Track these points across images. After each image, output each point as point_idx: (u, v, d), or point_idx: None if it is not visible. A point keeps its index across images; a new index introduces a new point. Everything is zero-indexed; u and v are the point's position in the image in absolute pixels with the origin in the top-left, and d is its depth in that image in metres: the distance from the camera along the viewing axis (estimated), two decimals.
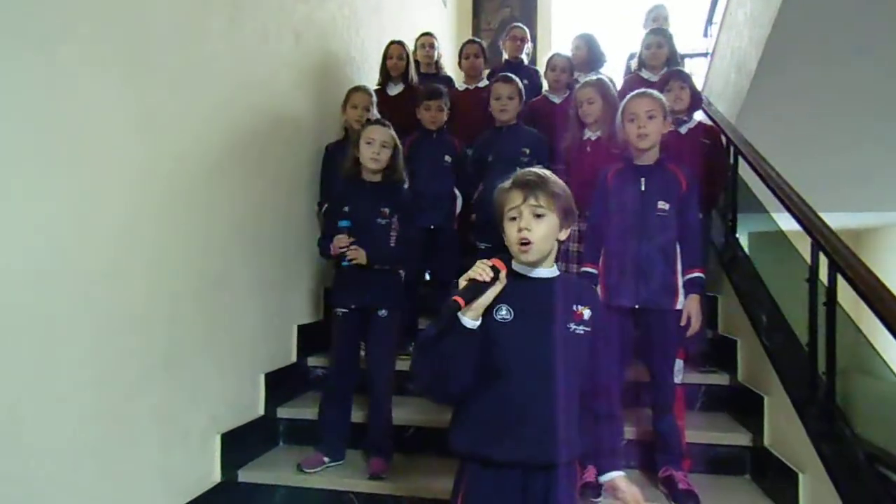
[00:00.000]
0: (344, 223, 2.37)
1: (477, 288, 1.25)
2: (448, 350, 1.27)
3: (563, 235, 1.38)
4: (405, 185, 2.47)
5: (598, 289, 2.15)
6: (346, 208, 2.39)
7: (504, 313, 1.33)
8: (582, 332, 1.36)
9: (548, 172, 1.38)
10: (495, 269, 1.26)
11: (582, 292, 1.43)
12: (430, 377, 1.33)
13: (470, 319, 1.26)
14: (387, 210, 2.40)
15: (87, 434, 1.65)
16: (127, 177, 1.80)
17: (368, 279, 2.35)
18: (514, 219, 1.33)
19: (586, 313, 1.37)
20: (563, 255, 2.64)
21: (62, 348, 1.57)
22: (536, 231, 1.31)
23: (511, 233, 1.34)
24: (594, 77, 2.97)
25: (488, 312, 1.32)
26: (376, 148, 2.35)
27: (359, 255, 2.31)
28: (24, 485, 1.46)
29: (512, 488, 1.32)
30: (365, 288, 2.36)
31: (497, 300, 1.32)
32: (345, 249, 2.31)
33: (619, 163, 2.25)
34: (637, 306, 2.11)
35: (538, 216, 1.32)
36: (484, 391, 1.33)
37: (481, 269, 1.26)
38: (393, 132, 2.42)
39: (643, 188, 2.15)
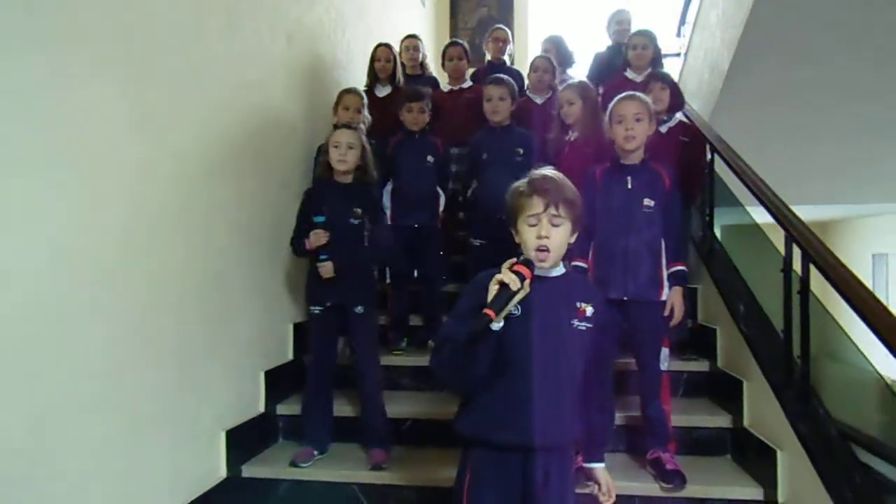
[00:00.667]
0: (319, 219, 2.45)
1: (506, 296, 1.30)
2: (473, 349, 1.34)
3: (573, 239, 1.47)
4: (374, 186, 2.58)
5: None
6: (323, 209, 2.47)
7: (514, 309, 1.41)
8: (584, 328, 1.46)
9: (562, 177, 1.46)
10: (521, 277, 1.32)
11: (585, 290, 1.53)
12: (453, 372, 1.42)
13: (496, 323, 1.33)
14: (359, 210, 2.49)
15: (105, 431, 1.70)
16: (129, 177, 1.83)
17: (342, 277, 2.44)
18: (533, 225, 1.41)
19: (589, 310, 1.46)
20: None
21: (79, 348, 1.62)
22: (554, 239, 1.40)
23: (529, 238, 1.42)
24: (577, 80, 3.08)
25: None
26: (343, 150, 2.45)
27: (326, 270, 2.41)
28: (48, 479, 1.51)
29: (514, 470, 1.43)
30: (340, 285, 2.44)
31: None
32: (322, 244, 2.40)
33: (606, 162, 2.36)
34: (625, 298, 2.22)
35: (555, 224, 1.41)
36: (491, 381, 1.42)
37: (510, 279, 1.31)
38: (360, 134, 2.53)
39: (629, 186, 2.26)
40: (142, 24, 1.89)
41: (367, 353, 2.51)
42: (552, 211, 1.40)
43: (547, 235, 1.40)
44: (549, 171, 1.48)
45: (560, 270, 1.49)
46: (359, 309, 2.47)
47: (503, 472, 1.44)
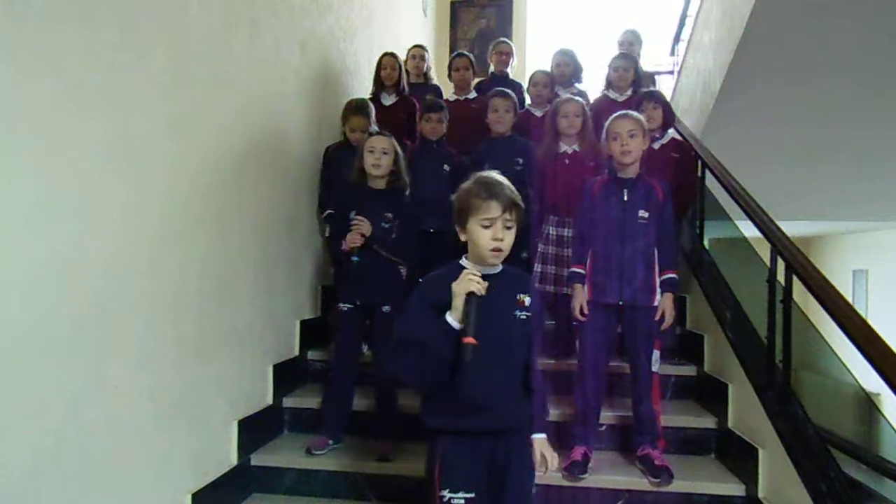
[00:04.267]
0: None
1: (474, 308, 1.46)
2: (438, 353, 1.48)
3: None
4: (407, 192, 2.68)
5: (586, 287, 2.40)
6: (353, 213, 2.57)
7: None
8: (525, 316, 1.60)
9: (507, 181, 1.58)
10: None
11: (522, 282, 1.67)
12: (419, 377, 1.56)
13: (456, 322, 1.48)
14: (390, 215, 2.59)
15: (133, 414, 1.81)
16: (164, 177, 1.95)
17: (373, 276, 2.54)
18: (487, 227, 1.53)
19: (527, 300, 1.61)
20: (553, 259, 2.89)
21: (115, 335, 1.73)
22: (507, 241, 1.55)
23: (482, 239, 1.53)
24: (577, 95, 3.23)
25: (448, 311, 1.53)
26: (377, 154, 2.56)
27: (363, 227, 2.48)
28: (80, 457, 1.62)
29: (481, 452, 1.56)
30: (370, 285, 2.55)
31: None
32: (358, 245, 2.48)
33: (603, 175, 2.51)
34: (621, 303, 2.36)
35: (508, 227, 1.54)
36: (451, 376, 1.52)
37: (477, 285, 1.46)
38: (394, 141, 2.63)
39: (625, 198, 2.40)
40: (184, 37, 2.03)
41: None
42: (507, 216, 1.53)
43: (502, 238, 1.52)
44: (495, 175, 1.59)
45: (499, 267, 1.62)
46: (386, 308, 2.57)
47: (470, 456, 1.56)
